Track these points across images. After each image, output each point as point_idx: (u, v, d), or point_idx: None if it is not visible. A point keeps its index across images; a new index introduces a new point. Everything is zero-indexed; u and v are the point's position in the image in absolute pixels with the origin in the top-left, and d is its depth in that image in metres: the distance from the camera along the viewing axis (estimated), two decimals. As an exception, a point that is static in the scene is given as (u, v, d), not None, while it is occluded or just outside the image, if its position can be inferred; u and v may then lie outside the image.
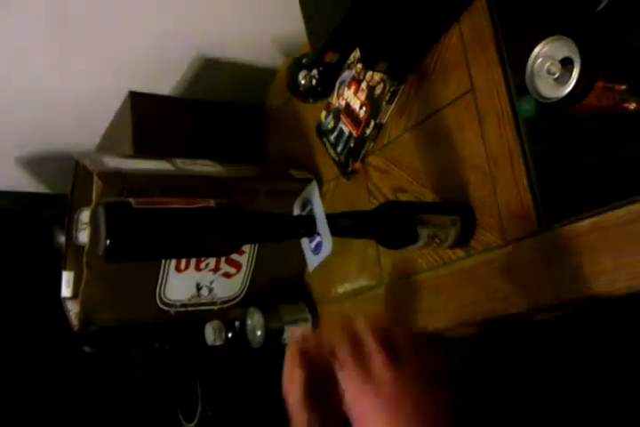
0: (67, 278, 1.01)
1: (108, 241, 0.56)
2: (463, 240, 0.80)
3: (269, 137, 1.30)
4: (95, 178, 0.87)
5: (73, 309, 0.97)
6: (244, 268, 1.04)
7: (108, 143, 1.33)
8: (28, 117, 1.37)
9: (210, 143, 1.26)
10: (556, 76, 0.55)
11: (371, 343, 0.55)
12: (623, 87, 0.55)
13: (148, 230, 0.59)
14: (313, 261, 1.03)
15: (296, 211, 1.05)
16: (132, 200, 0.59)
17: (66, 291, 1.00)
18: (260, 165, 1.22)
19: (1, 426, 1.30)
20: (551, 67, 0.56)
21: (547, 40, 0.57)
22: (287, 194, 1.06)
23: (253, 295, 1.06)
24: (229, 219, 0.64)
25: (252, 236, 0.66)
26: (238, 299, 1.06)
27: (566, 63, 0.55)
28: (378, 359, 0.54)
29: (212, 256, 0.98)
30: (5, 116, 1.35)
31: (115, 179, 0.88)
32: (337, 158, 1.05)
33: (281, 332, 1.03)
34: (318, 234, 0.72)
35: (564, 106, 0.56)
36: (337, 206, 1.04)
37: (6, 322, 1.40)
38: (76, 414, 1.34)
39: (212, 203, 0.64)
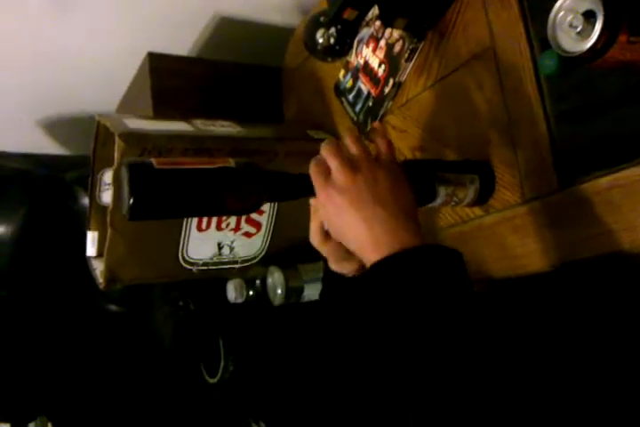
0: (91, 238, 1.03)
1: (131, 200, 0.57)
2: (482, 199, 0.80)
3: (287, 97, 1.30)
4: (117, 139, 0.88)
5: (98, 267, 1.00)
6: (264, 227, 1.05)
7: (128, 104, 1.34)
8: (47, 80, 1.38)
9: (228, 104, 1.26)
10: (579, 29, 0.54)
11: (327, 156, 0.63)
12: (647, 41, 0.54)
13: (169, 190, 0.60)
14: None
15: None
16: (153, 160, 0.60)
17: (91, 250, 1.03)
18: (279, 126, 1.22)
19: (29, 385, 1.36)
20: (573, 20, 0.55)
21: (570, -7, 0.56)
22: (306, 154, 1.05)
23: (274, 254, 1.08)
24: (249, 178, 0.65)
25: (271, 195, 0.67)
26: (259, 258, 1.08)
27: (589, 16, 0.54)
28: (334, 169, 0.62)
29: (232, 215, 0.99)
30: (25, 78, 1.36)
31: (136, 139, 0.89)
32: (355, 118, 1.05)
33: (301, 290, 1.04)
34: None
35: (587, 60, 0.55)
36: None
37: (33, 283, 1.44)
38: (101, 372, 1.39)
39: (231, 162, 0.65)
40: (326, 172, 0.63)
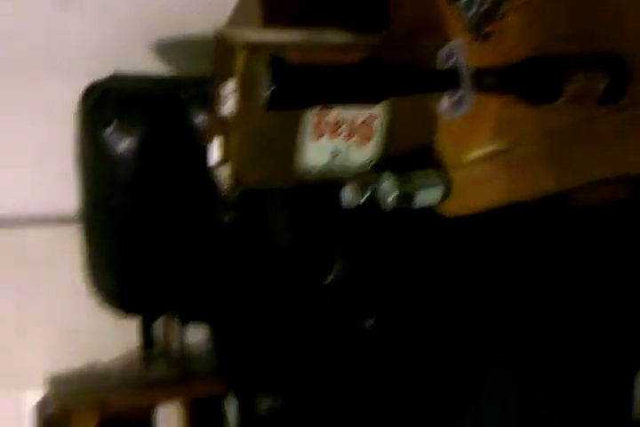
0: (216, 145, 1.09)
1: (272, 89, 0.63)
2: (612, 97, 0.77)
3: (395, 2, 1.27)
4: (240, 49, 0.92)
5: (222, 173, 1.06)
6: (377, 135, 1.08)
7: (238, 19, 1.36)
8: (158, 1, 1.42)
9: (336, 10, 1.25)
10: None
11: None
12: None
13: (304, 81, 0.66)
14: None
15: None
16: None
17: (215, 157, 1.09)
18: (388, 33, 1.21)
19: (160, 282, 1.49)
20: None
21: None
22: (416, 62, 1.06)
23: (386, 161, 1.10)
24: (375, 72, 0.68)
25: (397, 89, 0.70)
26: (372, 164, 1.11)
27: None
28: None
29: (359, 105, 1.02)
30: (137, 1, 1.40)
31: (259, 49, 0.93)
32: (469, 22, 1.02)
33: (412, 196, 1.07)
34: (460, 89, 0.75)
35: None
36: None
37: (155, 194, 1.55)
38: (223, 273, 1.51)
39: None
40: None
